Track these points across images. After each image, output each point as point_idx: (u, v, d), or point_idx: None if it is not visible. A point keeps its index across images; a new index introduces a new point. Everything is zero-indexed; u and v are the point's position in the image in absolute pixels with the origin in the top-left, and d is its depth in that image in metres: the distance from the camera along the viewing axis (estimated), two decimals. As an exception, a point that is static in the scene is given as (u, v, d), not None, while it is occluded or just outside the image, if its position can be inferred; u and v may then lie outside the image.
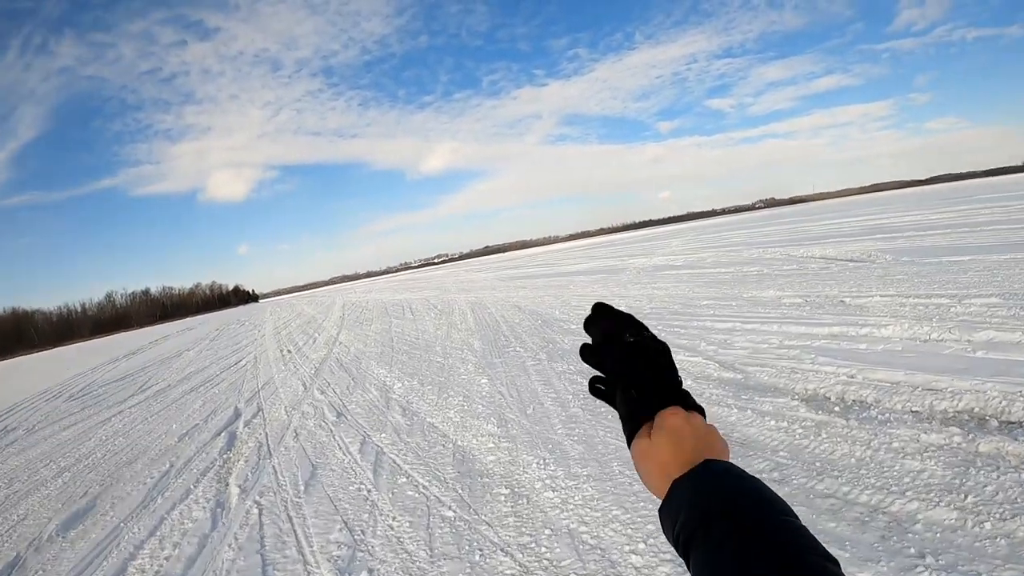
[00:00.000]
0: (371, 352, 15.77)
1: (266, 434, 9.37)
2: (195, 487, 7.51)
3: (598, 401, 0.92)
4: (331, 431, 8.79)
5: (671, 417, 0.80)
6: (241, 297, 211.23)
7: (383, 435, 8.18)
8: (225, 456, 8.68)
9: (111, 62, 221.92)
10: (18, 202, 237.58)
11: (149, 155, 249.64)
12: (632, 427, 0.85)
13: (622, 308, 0.93)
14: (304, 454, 7.99)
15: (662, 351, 0.89)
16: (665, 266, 25.52)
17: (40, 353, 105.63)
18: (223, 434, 9.90)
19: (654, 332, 0.94)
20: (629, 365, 0.87)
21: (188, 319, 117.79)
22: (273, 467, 7.70)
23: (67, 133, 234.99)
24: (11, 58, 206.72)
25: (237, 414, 11.36)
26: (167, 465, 8.75)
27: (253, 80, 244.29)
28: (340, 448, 7.94)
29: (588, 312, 0.98)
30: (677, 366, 0.89)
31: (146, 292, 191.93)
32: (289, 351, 19.79)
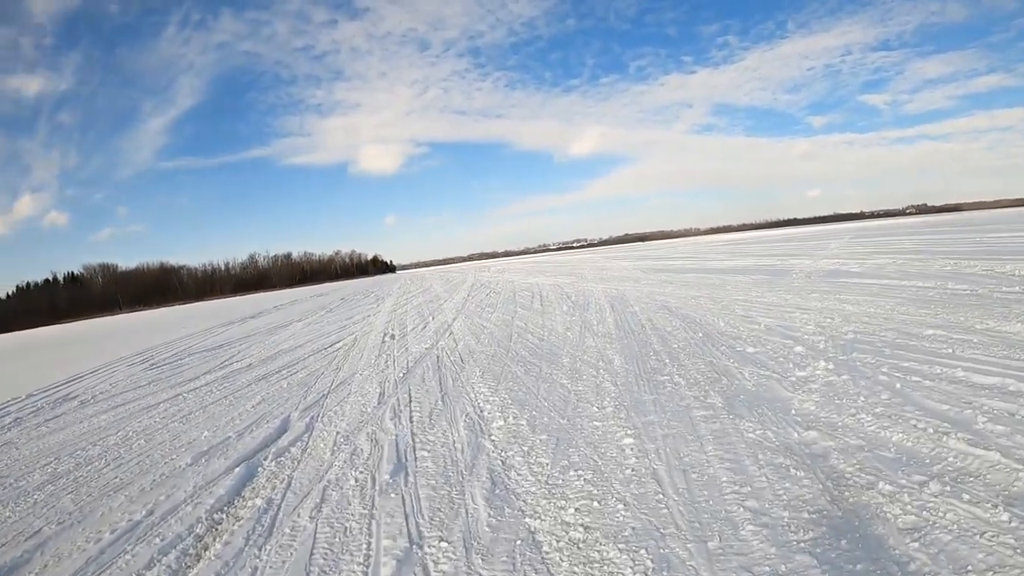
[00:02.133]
0: (480, 353, 12.65)
1: (287, 486, 6.33)
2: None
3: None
4: (370, 507, 5.54)
5: None
6: (379, 267, 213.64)
7: (444, 545, 4.74)
8: (213, 518, 5.76)
9: (266, 39, 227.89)
10: (174, 166, 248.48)
11: (300, 128, 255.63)
12: None
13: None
14: (309, 552, 4.87)
15: None
16: (839, 272, 21.26)
17: (178, 307, 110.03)
18: (241, 468, 7.01)
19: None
20: None
21: (324, 285, 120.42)
22: (255, 569, 4.68)
23: (223, 104, 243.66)
24: (171, 32, 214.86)
25: (281, 431, 8.56)
26: (141, 514, 6.08)
27: (401, 59, 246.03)
28: (363, 556, 4.74)
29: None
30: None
31: (287, 256, 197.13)
32: (393, 336, 17.31)
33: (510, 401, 8.54)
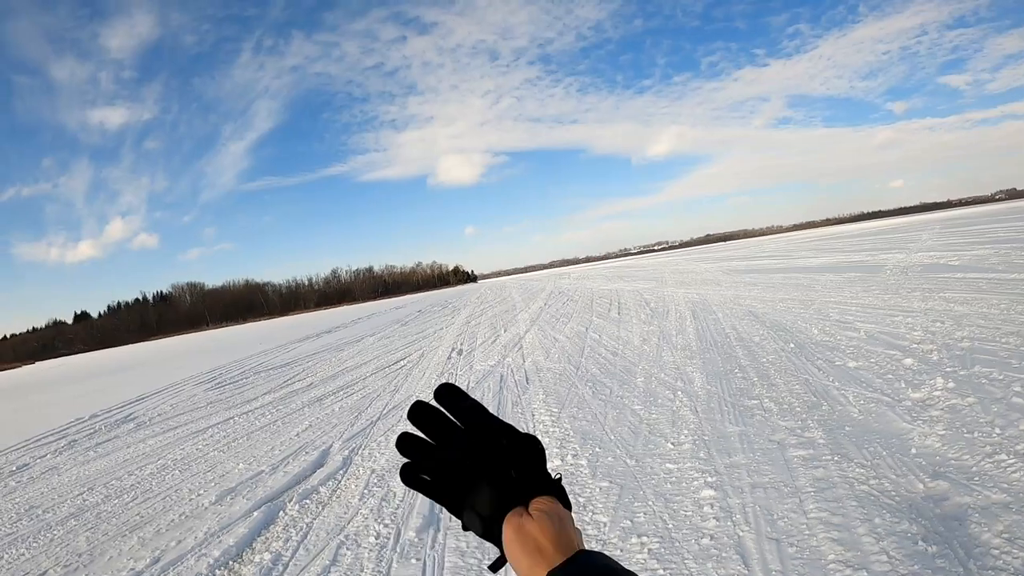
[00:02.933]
0: (548, 371, 11.64)
1: (302, 538, 5.58)
2: None
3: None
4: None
5: (552, 503, 0.77)
6: (460, 277, 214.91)
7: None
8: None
9: (337, 59, 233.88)
10: (256, 187, 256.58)
11: (376, 143, 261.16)
12: (499, 511, 0.77)
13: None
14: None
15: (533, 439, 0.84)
16: (937, 266, 19.61)
17: (263, 322, 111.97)
18: (261, 511, 6.32)
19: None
20: (492, 448, 0.82)
21: (405, 297, 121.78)
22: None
23: (299, 125, 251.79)
24: (245, 59, 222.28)
25: (316, 465, 7.87)
26: (145, 561, 5.63)
27: (472, 70, 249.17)
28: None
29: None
30: None
31: (369, 270, 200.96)
32: (460, 352, 16.64)
33: (572, 433, 7.49)
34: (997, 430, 5.54)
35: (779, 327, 12.41)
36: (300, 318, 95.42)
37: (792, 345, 10.49)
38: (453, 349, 17.27)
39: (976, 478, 4.74)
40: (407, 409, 0.91)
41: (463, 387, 9.85)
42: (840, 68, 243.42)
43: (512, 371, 12.22)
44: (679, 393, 8.51)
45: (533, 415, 8.60)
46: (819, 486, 4.99)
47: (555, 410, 8.68)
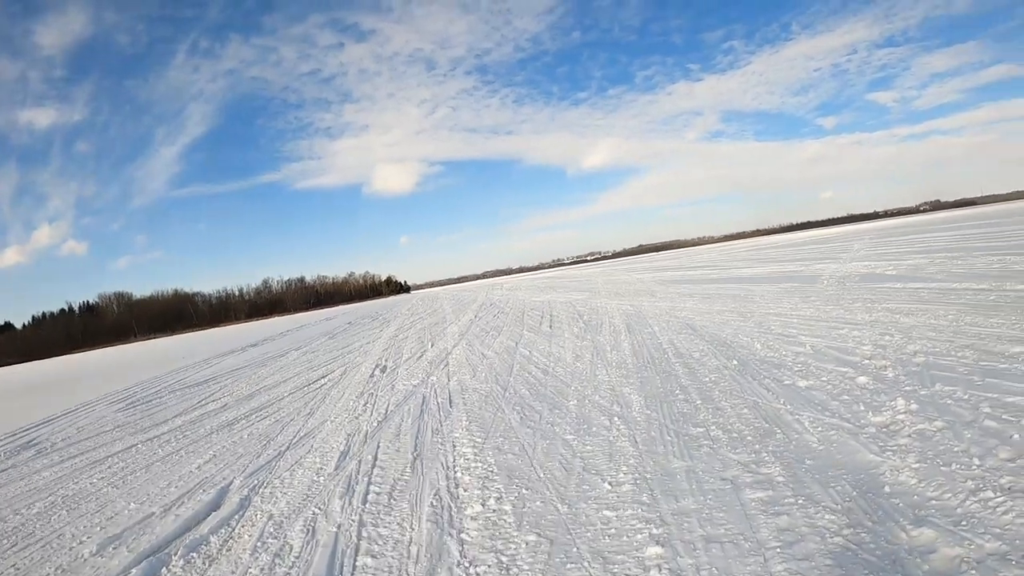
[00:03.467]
0: (474, 392, 10.76)
1: None
2: None
3: None
4: None
5: None
6: (393, 287, 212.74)
7: None
8: None
9: (273, 64, 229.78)
10: (187, 193, 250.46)
11: (310, 151, 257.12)
12: None
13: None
14: None
15: None
16: (875, 276, 19.22)
17: (192, 334, 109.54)
18: (140, 568, 5.33)
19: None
20: None
21: (336, 308, 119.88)
22: None
23: (232, 130, 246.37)
24: (180, 60, 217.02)
25: (212, 507, 6.78)
26: None
27: (409, 79, 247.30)
28: None
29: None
30: None
31: (301, 280, 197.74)
32: (384, 369, 15.54)
33: (496, 469, 6.53)
34: (976, 460, 4.81)
35: (719, 341, 11.73)
36: (229, 330, 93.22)
37: (735, 362, 9.77)
38: (377, 366, 16.22)
39: (964, 523, 3.97)
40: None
41: (376, 417, 8.92)
42: (772, 84, 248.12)
43: (436, 392, 11.28)
44: (616, 420, 7.66)
45: (454, 446, 7.63)
46: (785, 539, 4.14)
47: (479, 440, 7.75)
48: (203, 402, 14.94)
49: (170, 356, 40.75)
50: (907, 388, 7.01)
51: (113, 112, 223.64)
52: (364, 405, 11.06)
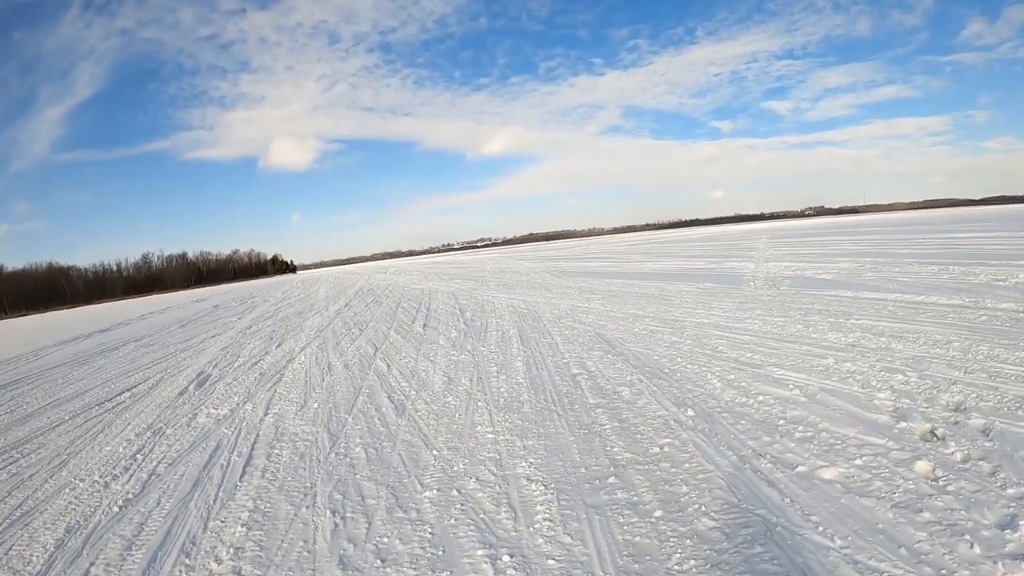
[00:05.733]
0: (290, 441, 7.14)
1: None
2: None
3: None
4: None
5: None
6: (279, 267, 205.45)
7: None
8: None
9: (170, 26, 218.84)
10: (69, 159, 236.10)
11: (203, 120, 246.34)
12: None
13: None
14: None
15: None
16: (807, 279, 16.42)
17: (63, 311, 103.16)
18: None
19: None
20: None
21: (214, 287, 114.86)
22: None
23: (123, 93, 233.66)
24: (73, 15, 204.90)
25: None
26: None
27: (310, 52, 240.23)
28: None
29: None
30: None
31: (183, 256, 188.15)
32: (206, 379, 12.14)
33: None
34: None
35: (652, 368, 8.33)
36: (98, 309, 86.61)
37: (690, 412, 6.33)
38: (201, 373, 12.56)
39: None
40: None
41: (145, 472, 6.66)
42: (673, 85, 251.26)
43: (238, 438, 7.58)
44: (504, 556, 4.24)
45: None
46: None
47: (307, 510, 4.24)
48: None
49: (9, 342, 35.93)
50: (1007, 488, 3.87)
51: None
52: (132, 460, 7.37)
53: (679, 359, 8.65)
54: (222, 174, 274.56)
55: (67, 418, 10.27)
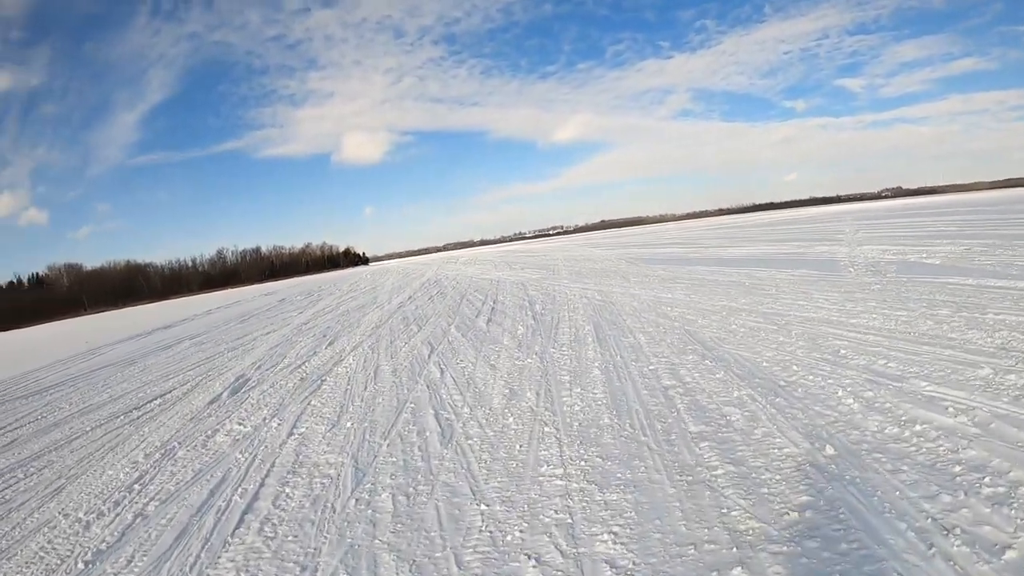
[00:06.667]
0: (309, 475, 5.76)
1: None
2: None
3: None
4: None
5: None
6: (351, 259, 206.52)
7: None
8: None
9: (237, 28, 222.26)
10: (146, 160, 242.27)
11: (273, 119, 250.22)
12: None
13: None
14: None
15: None
16: (910, 264, 14.49)
17: (141, 307, 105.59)
18: None
19: None
20: None
21: (286, 281, 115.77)
22: None
23: (194, 96, 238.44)
24: (141, 22, 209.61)
25: None
26: None
27: (376, 47, 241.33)
28: None
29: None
30: None
31: (256, 250, 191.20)
32: (242, 383, 11.15)
33: None
34: None
35: (766, 382, 6.60)
36: (170, 304, 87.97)
37: (830, 451, 4.60)
38: (240, 378, 11.49)
39: None
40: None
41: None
42: (742, 65, 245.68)
43: (251, 463, 6.30)
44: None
45: None
46: None
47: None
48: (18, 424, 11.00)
49: (77, 338, 37.88)
50: None
51: (72, 76, 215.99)
52: (127, 492, 6.13)
53: (795, 367, 6.92)
54: (295, 170, 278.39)
55: (88, 429, 9.44)
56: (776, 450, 4.81)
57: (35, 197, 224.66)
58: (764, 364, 7.23)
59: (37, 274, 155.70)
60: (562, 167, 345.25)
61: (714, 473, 4.57)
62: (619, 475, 4.77)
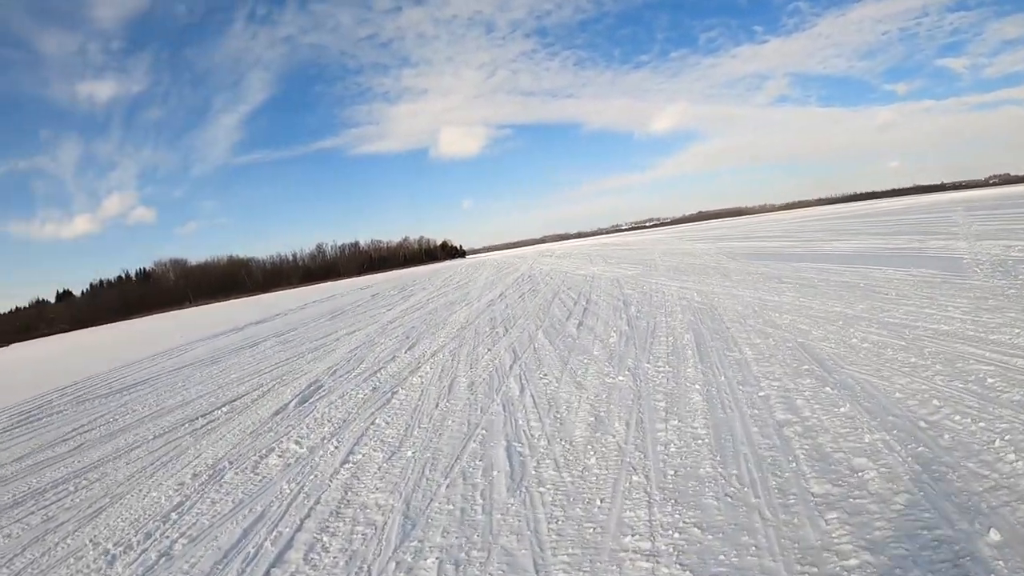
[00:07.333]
0: (386, 498, 4.95)
1: None
2: None
3: None
4: None
5: None
6: (448, 252, 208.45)
7: None
8: None
9: (331, 30, 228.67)
10: (249, 160, 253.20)
11: (369, 116, 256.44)
12: None
13: None
14: None
15: None
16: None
17: (243, 299, 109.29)
18: None
19: None
20: None
21: (383, 274, 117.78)
22: None
23: (291, 97, 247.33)
24: (238, 28, 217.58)
25: None
26: None
27: (467, 42, 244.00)
28: None
29: None
30: None
31: (355, 244, 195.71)
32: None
33: None
34: None
35: (904, 423, 5.38)
36: (271, 297, 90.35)
37: (995, 537, 3.46)
38: (313, 384, 11.09)
39: None
40: None
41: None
42: (839, 47, 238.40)
43: (295, 497, 5.61)
44: None
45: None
46: None
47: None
48: (89, 426, 10.99)
49: (176, 331, 38.94)
50: None
51: (173, 82, 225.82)
52: (163, 521, 5.50)
53: (935, 402, 5.68)
54: (392, 165, 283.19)
55: (151, 438, 9.25)
56: (925, 531, 3.67)
57: (143, 196, 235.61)
58: (897, 395, 6.00)
59: (144, 269, 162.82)
60: (658, 158, 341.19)
61: (846, 564, 3.50)
62: (722, 558, 3.74)
